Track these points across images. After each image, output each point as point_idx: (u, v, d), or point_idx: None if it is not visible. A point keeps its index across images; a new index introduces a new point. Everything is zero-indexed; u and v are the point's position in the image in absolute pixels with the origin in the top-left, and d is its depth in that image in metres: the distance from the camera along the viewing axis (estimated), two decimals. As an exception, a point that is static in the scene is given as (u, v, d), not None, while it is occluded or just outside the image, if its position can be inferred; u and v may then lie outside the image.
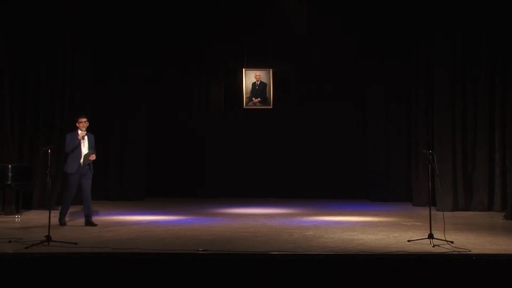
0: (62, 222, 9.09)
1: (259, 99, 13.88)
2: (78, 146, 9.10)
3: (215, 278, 6.14)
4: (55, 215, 8.82)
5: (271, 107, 13.86)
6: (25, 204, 10.85)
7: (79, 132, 9.12)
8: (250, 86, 13.88)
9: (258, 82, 13.88)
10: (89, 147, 9.20)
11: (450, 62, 11.66)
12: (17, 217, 10.20)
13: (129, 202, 12.75)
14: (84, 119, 9.23)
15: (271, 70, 13.83)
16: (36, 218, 10.10)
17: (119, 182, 13.17)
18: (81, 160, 9.10)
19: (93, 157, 9.19)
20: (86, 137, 9.17)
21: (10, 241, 7.48)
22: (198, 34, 13.60)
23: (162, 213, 10.83)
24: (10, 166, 10.40)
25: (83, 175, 9.14)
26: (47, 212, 8.03)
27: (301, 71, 13.99)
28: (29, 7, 11.52)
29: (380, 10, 12.89)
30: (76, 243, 7.30)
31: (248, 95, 13.89)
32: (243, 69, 13.84)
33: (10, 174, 10.30)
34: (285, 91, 14.03)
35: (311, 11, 13.30)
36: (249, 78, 13.88)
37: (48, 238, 7.27)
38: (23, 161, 11.28)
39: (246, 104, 13.91)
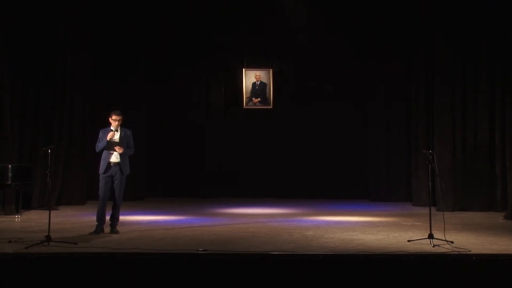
0: (94, 230, 8.24)
1: (259, 99, 13.88)
2: None
3: (215, 278, 6.14)
4: (55, 215, 8.83)
5: (271, 107, 13.86)
6: (25, 204, 10.84)
7: (110, 131, 8.27)
8: (250, 86, 13.88)
9: (258, 82, 13.88)
10: (122, 146, 8.30)
11: (450, 62, 11.66)
12: (17, 217, 10.20)
13: (129, 202, 12.71)
14: (118, 117, 8.26)
15: (271, 70, 13.83)
16: (36, 218, 10.09)
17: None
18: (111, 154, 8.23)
19: (119, 149, 8.20)
20: (117, 137, 8.27)
21: (10, 241, 7.49)
22: (198, 34, 13.59)
23: (162, 213, 10.83)
24: (10, 166, 10.39)
25: (113, 177, 8.34)
26: (47, 212, 8.03)
27: (301, 71, 13.98)
28: (29, 6, 11.52)
29: (381, 10, 12.87)
30: (76, 243, 7.30)
31: (248, 95, 13.89)
32: (243, 69, 13.84)
33: (10, 174, 10.29)
34: (285, 91, 14.02)
35: (311, 11, 13.29)
36: (249, 78, 13.88)
37: (48, 238, 7.27)
38: (23, 161, 11.28)
39: (246, 104, 13.91)
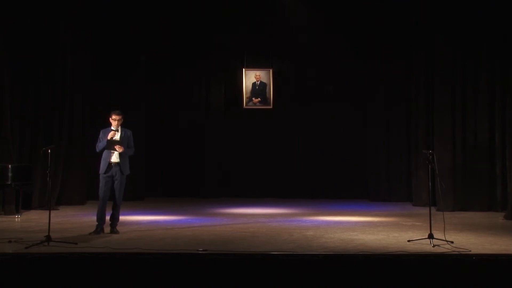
0: (94, 230, 8.25)
1: (259, 99, 13.88)
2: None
3: (215, 278, 6.14)
4: (55, 215, 8.80)
5: (271, 107, 13.86)
6: (25, 204, 10.84)
7: (111, 131, 8.28)
8: (250, 86, 13.88)
9: (258, 82, 13.88)
10: (122, 145, 8.29)
11: (450, 62, 11.66)
12: (17, 217, 10.20)
13: (129, 202, 12.70)
14: (117, 116, 8.30)
15: (271, 70, 13.83)
16: (36, 218, 10.09)
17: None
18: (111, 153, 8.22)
19: (119, 148, 8.21)
20: (117, 136, 8.26)
21: (10, 241, 7.49)
22: (198, 34, 13.58)
23: (162, 213, 10.83)
24: (10, 166, 10.39)
25: (114, 177, 8.33)
26: (47, 212, 8.03)
27: (301, 71, 13.98)
28: (29, 6, 11.52)
29: (381, 10, 12.86)
30: (76, 243, 7.30)
31: (248, 95, 13.89)
32: (243, 69, 13.84)
33: (10, 174, 10.29)
34: (285, 91, 14.02)
35: (311, 11, 13.28)
36: (249, 78, 13.88)
37: (48, 238, 7.27)
38: (23, 161, 11.28)
39: (246, 104, 13.91)
